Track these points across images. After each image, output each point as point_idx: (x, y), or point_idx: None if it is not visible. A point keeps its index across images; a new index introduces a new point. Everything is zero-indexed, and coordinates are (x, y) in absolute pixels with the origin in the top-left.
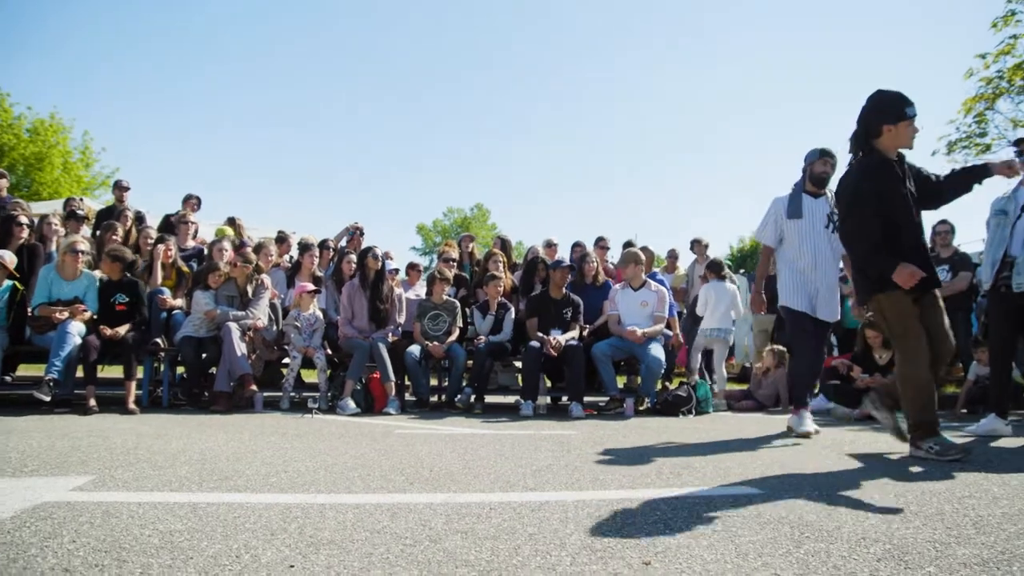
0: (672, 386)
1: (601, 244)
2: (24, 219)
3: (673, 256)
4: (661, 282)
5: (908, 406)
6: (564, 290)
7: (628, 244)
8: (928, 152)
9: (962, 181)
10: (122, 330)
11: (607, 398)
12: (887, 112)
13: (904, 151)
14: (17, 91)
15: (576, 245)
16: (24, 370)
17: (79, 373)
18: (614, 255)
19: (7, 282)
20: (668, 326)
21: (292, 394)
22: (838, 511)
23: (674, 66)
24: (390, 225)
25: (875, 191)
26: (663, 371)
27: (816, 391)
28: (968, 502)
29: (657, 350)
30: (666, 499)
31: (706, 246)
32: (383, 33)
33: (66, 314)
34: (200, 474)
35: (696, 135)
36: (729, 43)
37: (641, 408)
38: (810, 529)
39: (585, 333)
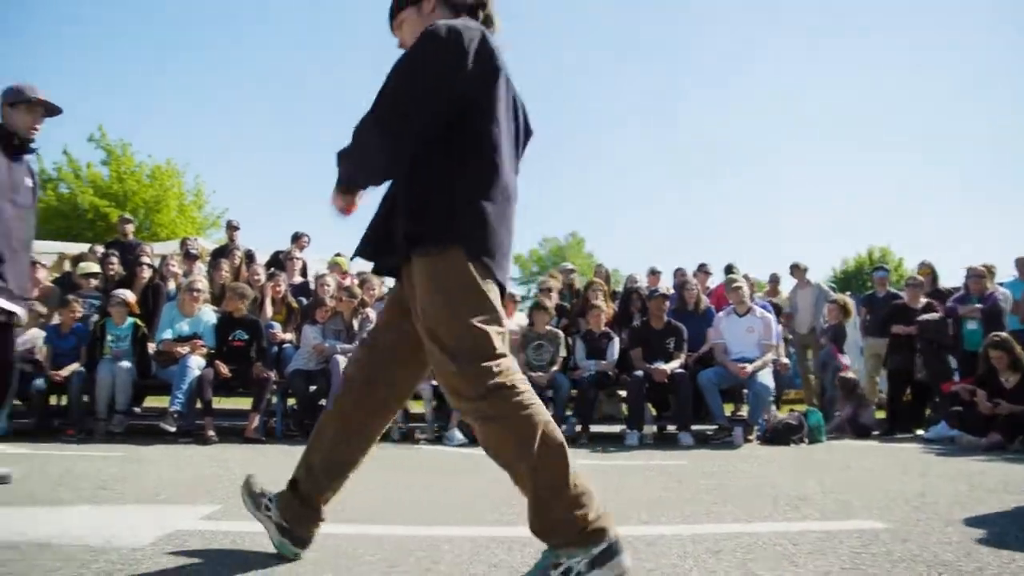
0: (781, 414)
1: (703, 270)
2: (147, 260)
3: (775, 281)
4: (766, 307)
5: None
6: (666, 318)
7: (729, 269)
8: None
9: None
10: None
11: (715, 427)
12: None
13: None
14: (137, 140)
15: (677, 271)
16: (150, 402)
17: (198, 404)
18: (715, 281)
19: (129, 320)
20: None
21: (400, 425)
22: (978, 550)
23: (775, 83)
24: None
25: None
26: (772, 399)
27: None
28: None
29: (765, 377)
30: (786, 534)
31: (805, 270)
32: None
33: (186, 349)
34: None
35: (800, 159)
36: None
37: (750, 437)
38: (949, 569)
39: (690, 362)
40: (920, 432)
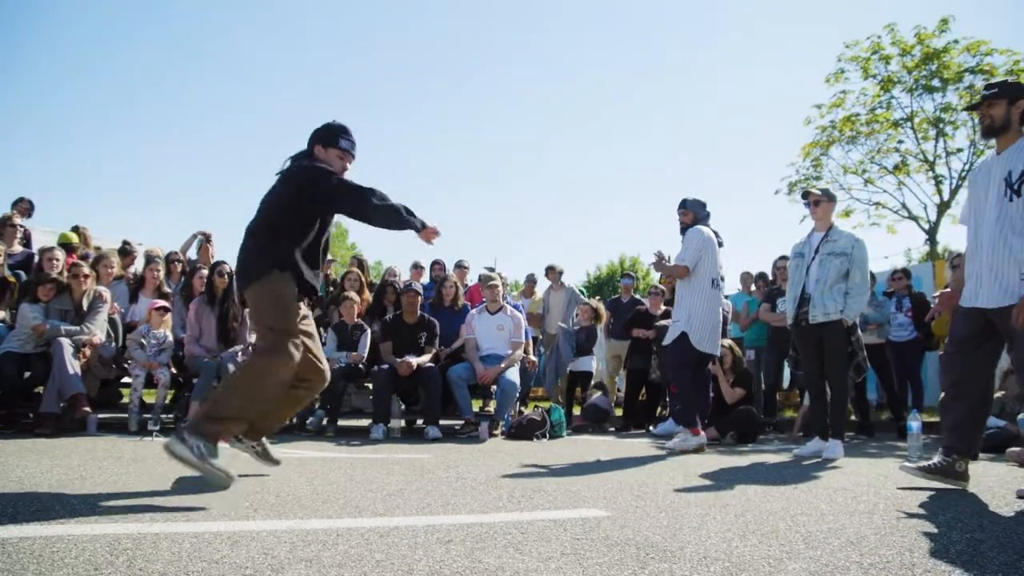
0: (527, 410)
1: (461, 266)
2: None
3: (531, 281)
4: (517, 307)
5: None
6: (419, 313)
7: (489, 268)
8: (771, 191)
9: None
10: None
11: (462, 421)
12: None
13: None
14: None
15: (435, 264)
16: None
17: None
18: (472, 278)
19: None
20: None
21: (137, 415)
22: (682, 532)
23: (529, 93)
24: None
25: None
26: (518, 395)
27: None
28: (800, 519)
29: (512, 374)
30: (517, 523)
31: (560, 273)
32: (254, 36)
33: None
34: (14, 505)
35: (552, 167)
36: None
37: (495, 432)
38: (655, 550)
39: (442, 356)
40: (651, 428)
